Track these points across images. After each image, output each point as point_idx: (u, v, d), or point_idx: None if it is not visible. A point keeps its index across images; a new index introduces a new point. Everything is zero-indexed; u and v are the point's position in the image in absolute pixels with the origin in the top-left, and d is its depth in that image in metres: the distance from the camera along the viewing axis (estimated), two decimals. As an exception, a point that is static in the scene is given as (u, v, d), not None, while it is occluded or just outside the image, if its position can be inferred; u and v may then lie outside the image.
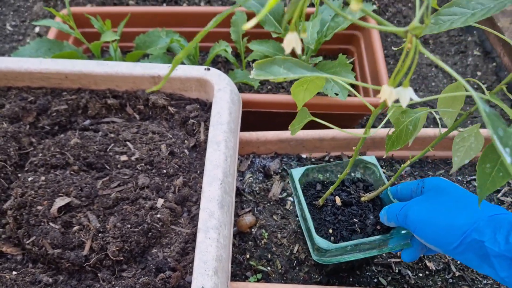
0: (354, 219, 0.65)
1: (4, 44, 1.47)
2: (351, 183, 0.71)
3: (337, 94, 0.90)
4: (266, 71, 0.38)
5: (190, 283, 0.63)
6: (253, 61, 1.19)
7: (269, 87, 1.12)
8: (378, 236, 0.61)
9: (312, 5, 1.12)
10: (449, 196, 0.54)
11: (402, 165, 0.86)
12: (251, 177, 0.87)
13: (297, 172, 0.68)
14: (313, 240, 0.61)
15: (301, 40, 0.92)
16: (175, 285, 0.62)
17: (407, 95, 0.34)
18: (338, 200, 0.68)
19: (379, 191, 0.65)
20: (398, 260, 0.76)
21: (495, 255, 0.46)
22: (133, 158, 0.76)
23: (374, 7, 0.98)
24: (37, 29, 1.50)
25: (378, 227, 0.65)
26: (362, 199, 0.67)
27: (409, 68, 0.36)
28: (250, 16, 1.09)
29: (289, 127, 0.53)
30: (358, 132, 0.76)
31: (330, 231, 0.64)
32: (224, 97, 0.78)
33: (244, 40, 1.08)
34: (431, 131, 0.86)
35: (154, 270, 0.64)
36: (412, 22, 0.32)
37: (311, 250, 0.62)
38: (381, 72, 1.00)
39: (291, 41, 0.32)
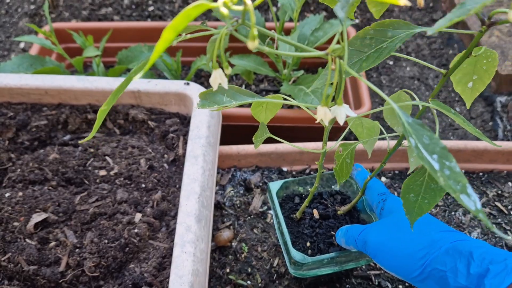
0: (332, 232, 0.66)
1: (-11, 60, 1.47)
2: (329, 196, 0.71)
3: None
4: (211, 101, 0.40)
5: (166, 298, 0.62)
6: (236, 75, 1.20)
7: (252, 100, 1.13)
8: (354, 250, 0.61)
9: (291, 20, 1.14)
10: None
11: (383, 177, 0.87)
12: (232, 190, 0.87)
13: (274, 186, 0.69)
14: (289, 254, 0.61)
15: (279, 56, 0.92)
16: (152, 301, 0.62)
17: (342, 112, 0.35)
18: (315, 213, 0.68)
19: (351, 204, 0.65)
20: (378, 272, 0.76)
21: (457, 286, 0.45)
22: (112, 172, 0.76)
23: (355, 21, 1.00)
24: (22, 45, 1.50)
25: None
26: (338, 212, 0.68)
27: (339, 87, 0.36)
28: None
29: (252, 139, 0.53)
30: (316, 146, 0.76)
31: (308, 244, 0.64)
32: (203, 111, 0.78)
33: (226, 55, 1.09)
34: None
35: (131, 285, 0.64)
36: (330, 45, 0.33)
37: (287, 263, 0.62)
38: (361, 85, 1.01)
39: (217, 78, 0.34)
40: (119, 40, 1.13)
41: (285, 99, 0.46)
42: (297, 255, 0.60)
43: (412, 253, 0.49)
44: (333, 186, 0.74)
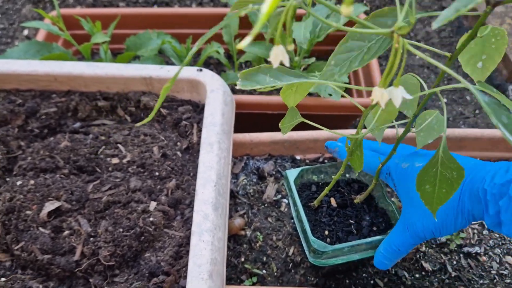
0: (350, 221, 0.65)
1: (-8, 47, 1.45)
2: (346, 184, 0.70)
3: (330, 95, 0.89)
4: (252, 81, 0.38)
5: (184, 287, 0.61)
6: (246, 62, 1.18)
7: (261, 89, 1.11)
8: (375, 237, 0.60)
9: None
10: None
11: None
12: (245, 179, 0.85)
13: (292, 174, 0.67)
14: (309, 242, 0.60)
15: (294, 40, 0.90)
16: (169, 290, 0.61)
17: (399, 94, 0.34)
18: (333, 201, 0.67)
19: (367, 192, 0.65)
20: (394, 261, 0.75)
21: (483, 196, 0.49)
22: (124, 160, 0.74)
23: (366, 8, 0.98)
24: (25, 32, 1.48)
25: (374, 228, 0.64)
26: (355, 201, 0.67)
27: (398, 68, 0.35)
28: (241, 18, 1.08)
29: (279, 125, 0.52)
30: (350, 132, 0.75)
31: (326, 232, 0.63)
32: (217, 98, 0.77)
33: (236, 42, 1.07)
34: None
35: (147, 274, 0.63)
36: (397, 22, 0.32)
37: (307, 252, 0.61)
38: (374, 73, 0.99)
39: (278, 55, 0.32)
40: (126, 27, 1.11)
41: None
42: (317, 243, 0.59)
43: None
44: (347, 175, 0.73)
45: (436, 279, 0.73)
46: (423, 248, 0.76)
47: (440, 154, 0.45)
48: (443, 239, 0.76)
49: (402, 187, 0.57)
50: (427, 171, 0.46)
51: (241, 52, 1.13)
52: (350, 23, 1.03)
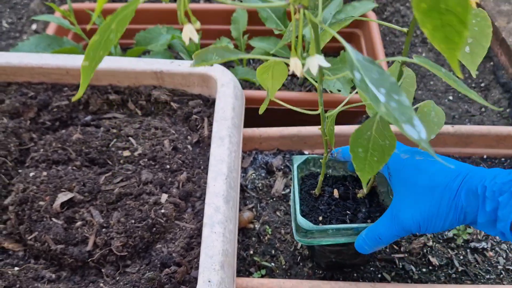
0: (347, 211, 0.65)
1: (0, 41, 1.45)
2: (353, 179, 0.71)
3: (339, 91, 0.90)
4: (201, 60, 0.42)
5: (195, 278, 0.62)
6: (253, 59, 1.19)
7: (269, 84, 1.12)
8: (362, 224, 0.61)
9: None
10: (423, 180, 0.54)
11: None
12: (253, 173, 0.86)
13: (297, 159, 0.68)
14: (296, 220, 0.61)
15: (303, 37, 0.91)
16: (181, 280, 0.62)
17: (315, 62, 0.35)
18: (336, 192, 0.68)
19: (369, 186, 0.66)
20: (401, 255, 0.76)
21: (481, 222, 0.50)
22: (135, 153, 0.75)
23: (375, 5, 0.98)
24: (34, 26, 1.49)
25: (369, 221, 0.64)
26: (358, 195, 0.67)
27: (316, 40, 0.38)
28: (251, 13, 1.09)
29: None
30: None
31: (320, 218, 0.64)
32: (228, 92, 0.77)
33: (245, 37, 1.07)
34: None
35: (159, 265, 0.63)
36: None
37: (294, 230, 0.63)
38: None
39: (187, 33, 0.37)
40: (136, 22, 1.12)
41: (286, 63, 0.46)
42: (303, 221, 0.59)
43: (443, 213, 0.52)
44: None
45: (443, 274, 0.74)
46: (430, 243, 0.76)
47: (377, 118, 0.45)
48: (450, 233, 0.77)
49: (397, 177, 0.57)
50: (361, 132, 0.46)
51: (249, 48, 1.13)
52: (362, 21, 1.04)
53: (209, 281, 0.57)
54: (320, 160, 0.69)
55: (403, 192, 0.55)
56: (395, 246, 0.77)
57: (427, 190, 0.53)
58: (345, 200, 0.67)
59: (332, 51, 1.18)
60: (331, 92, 0.92)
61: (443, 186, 0.52)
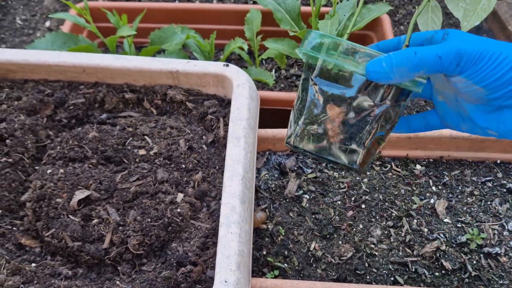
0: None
1: (14, 38, 1.46)
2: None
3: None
4: None
5: (211, 277, 0.63)
6: (267, 59, 1.19)
7: (282, 85, 1.12)
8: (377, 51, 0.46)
9: (326, 5, 1.12)
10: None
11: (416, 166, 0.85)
12: (266, 174, 0.87)
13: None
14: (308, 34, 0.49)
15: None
16: (197, 280, 0.62)
17: None
18: None
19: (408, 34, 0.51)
20: (414, 259, 0.76)
21: None
22: (151, 152, 0.76)
23: (390, 7, 0.98)
24: (47, 24, 1.49)
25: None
26: None
27: None
28: (264, 14, 1.09)
29: None
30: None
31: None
32: (243, 93, 0.78)
33: (258, 38, 1.08)
34: (446, 133, 0.86)
35: (175, 264, 0.64)
36: None
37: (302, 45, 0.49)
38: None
39: None
40: (150, 21, 1.13)
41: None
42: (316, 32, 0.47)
43: None
44: None
45: (456, 278, 0.74)
46: (443, 247, 0.77)
47: None
48: (464, 238, 0.77)
49: (460, 34, 0.45)
50: None
51: (262, 48, 1.14)
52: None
53: (225, 281, 0.57)
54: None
55: (462, 37, 0.44)
56: (408, 250, 0.77)
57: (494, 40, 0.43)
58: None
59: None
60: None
61: None
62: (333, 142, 0.51)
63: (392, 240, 0.77)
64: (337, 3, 1.07)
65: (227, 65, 0.81)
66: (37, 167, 0.77)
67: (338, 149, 0.51)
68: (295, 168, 0.87)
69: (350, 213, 0.80)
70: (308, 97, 0.50)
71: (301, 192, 0.84)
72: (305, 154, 0.54)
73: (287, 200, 0.83)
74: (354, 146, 0.50)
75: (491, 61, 0.41)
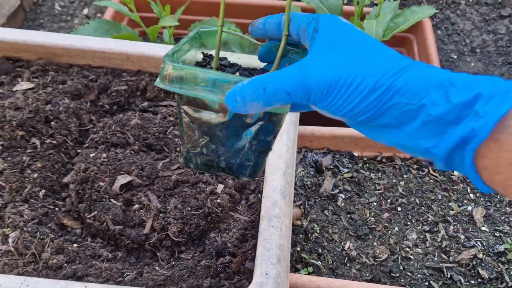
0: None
1: (53, 23, 1.49)
2: (262, 72, 0.53)
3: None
4: None
5: (250, 269, 0.63)
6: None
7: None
8: (240, 77, 0.44)
9: (368, 5, 1.12)
10: (358, 47, 0.39)
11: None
12: (302, 171, 0.87)
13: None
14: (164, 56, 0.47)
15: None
16: (235, 270, 0.63)
17: None
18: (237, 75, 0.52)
19: (277, 59, 0.48)
20: (450, 265, 0.75)
21: (428, 120, 0.35)
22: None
23: (435, 10, 0.97)
24: (85, 11, 1.52)
25: None
26: None
27: None
28: (306, 11, 1.09)
29: None
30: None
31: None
32: (287, 88, 0.78)
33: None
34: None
35: (214, 254, 0.64)
36: None
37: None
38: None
39: None
40: (191, 13, 1.13)
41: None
42: (168, 57, 0.46)
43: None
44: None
45: (492, 287, 0.73)
46: (481, 255, 0.76)
47: None
48: (502, 247, 0.76)
49: (325, 33, 0.40)
50: None
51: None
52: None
53: (266, 274, 0.57)
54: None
55: (325, 46, 0.40)
56: (443, 255, 0.76)
57: (359, 49, 0.39)
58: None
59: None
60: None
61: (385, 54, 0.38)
62: (220, 160, 0.52)
63: (427, 245, 0.77)
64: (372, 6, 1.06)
65: (271, 60, 0.81)
66: (79, 150, 0.78)
67: (225, 166, 0.53)
68: (331, 167, 0.87)
69: (386, 215, 0.80)
70: (184, 123, 0.51)
71: (336, 191, 0.84)
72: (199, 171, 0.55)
73: (322, 198, 0.83)
74: (240, 162, 0.52)
75: (343, 91, 0.38)
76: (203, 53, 0.54)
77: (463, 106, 0.33)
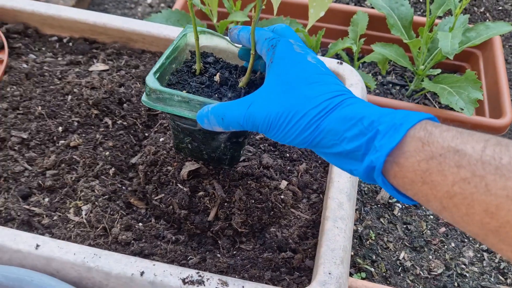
0: (215, 95, 0.59)
1: (117, 9, 1.54)
2: (243, 70, 0.64)
3: (462, 109, 0.88)
4: None
5: (309, 267, 0.64)
6: (364, 63, 1.19)
7: (377, 91, 1.11)
8: (209, 99, 0.54)
9: (440, 17, 1.10)
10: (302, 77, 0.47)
11: None
12: (360, 176, 0.87)
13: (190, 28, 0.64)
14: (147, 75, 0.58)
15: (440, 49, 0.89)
16: (296, 267, 0.64)
17: None
18: (218, 76, 0.61)
19: (248, 72, 0.59)
20: (507, 287, 0.74)
21: (343, 151, 0.44)
22: (257, 136, 0.78)
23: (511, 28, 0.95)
24: (149, 0, 1.56)
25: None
26: (240, 84, 0.60)
27: None
28: (372, 17, 1.08)
29: None
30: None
31: (184, 92, 0.57)
32: (356, 92, 0.78)
33: (361, 41, 1.07)
34: None
35: (275, 248, 0.66)
36: None
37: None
38: (503, 94, 0.97)
39: None
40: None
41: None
42: (150, 79, 0.56)
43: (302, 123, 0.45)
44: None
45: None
46: (540, 281, 0.74)
47: None
48: None
49: (277, 66, 0.49)
50: None
51: (363, 51, 1.13)
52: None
53: (329, 273, 0.58)
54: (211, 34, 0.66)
55: (274, 83, 0.48)
56: (500, 277, 0.75)
57: (297, 88, 0.46)
58: (222, 85, 0.60)
59: (450, 68, 1.16)
60: (450, 108, 0.91)
61: (320, 94, 0.46)
62: (202, 153, 0.67)
63: (484, 264, 0.75)
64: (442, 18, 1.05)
65: (341, 63, 0.82)
66: (146, 134, 0.81)
67: (208, 157, 0.68)
68: (390, 175, 0.87)
69: (443, 229, 0.79)
70: (171, 126, 0.65)
71: (394, 200, 0.83)
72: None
73: (379, 205, 0.83)
74: (218, 155, 0.67)
75: (282, 128, 0.46)
76: (190, 51, 0.65)
77: (368, 142, 0.41)
